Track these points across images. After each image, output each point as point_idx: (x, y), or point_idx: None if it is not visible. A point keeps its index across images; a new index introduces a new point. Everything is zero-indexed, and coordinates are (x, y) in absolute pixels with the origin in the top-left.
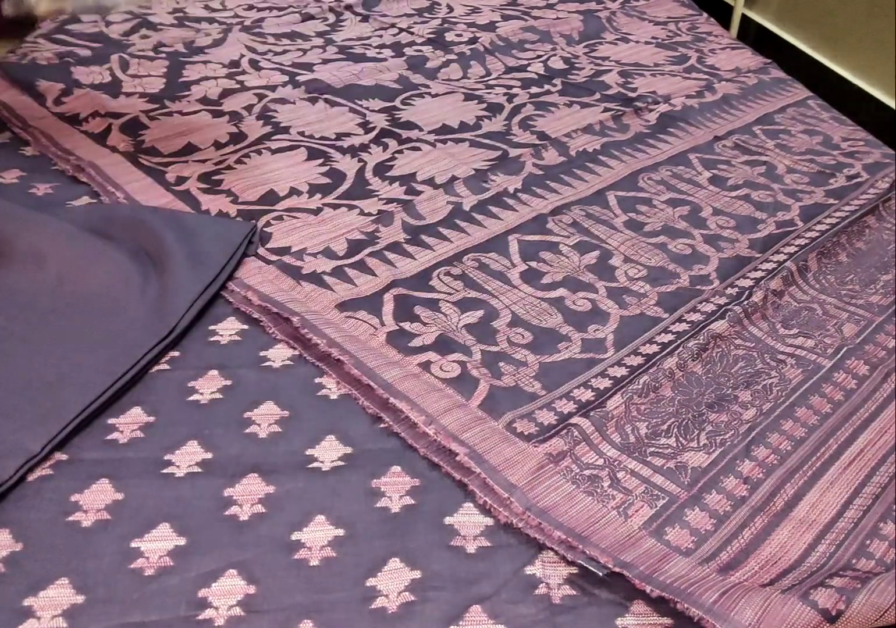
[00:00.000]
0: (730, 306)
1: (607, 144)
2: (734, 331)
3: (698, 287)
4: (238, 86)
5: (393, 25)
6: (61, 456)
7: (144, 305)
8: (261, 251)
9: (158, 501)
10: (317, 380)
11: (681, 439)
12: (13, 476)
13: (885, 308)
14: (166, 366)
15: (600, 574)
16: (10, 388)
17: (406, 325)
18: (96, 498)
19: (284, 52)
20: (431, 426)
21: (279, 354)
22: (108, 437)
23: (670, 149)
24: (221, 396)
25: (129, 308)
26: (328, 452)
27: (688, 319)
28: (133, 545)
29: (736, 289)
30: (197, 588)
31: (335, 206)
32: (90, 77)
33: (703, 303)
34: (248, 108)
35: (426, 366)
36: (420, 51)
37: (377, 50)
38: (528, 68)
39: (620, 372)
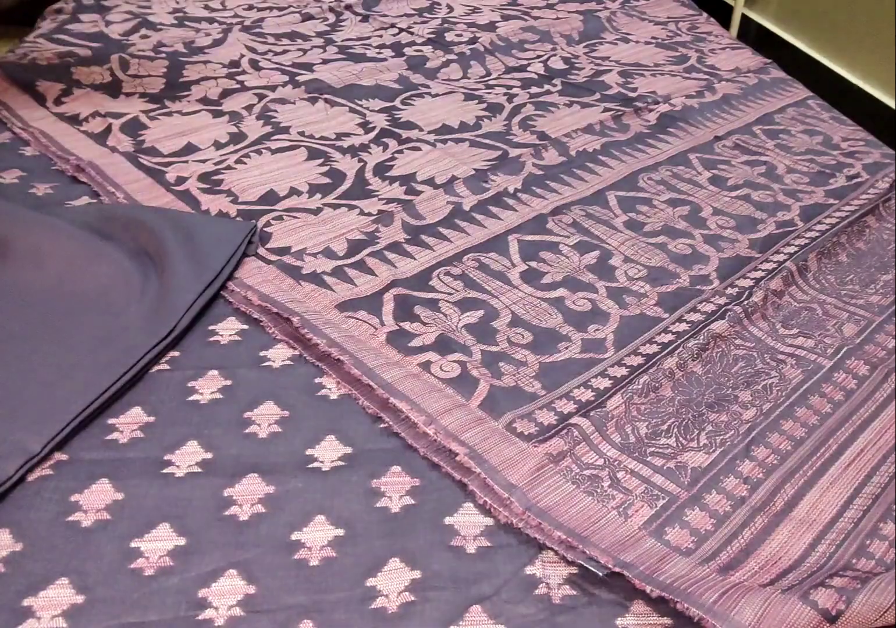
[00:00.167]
0: (730, 306)
1: (607, 144)
2: (734, 331)
3: (698, 287)
4: (238, 86)
5: (393, 25)
6: (61, 456)
7: (144, 305)
8: (261, 251)
9: (158, 501)
10: (317, 380)
11: (681, 439)
12: (13, 476)
13: (885, 308)
14: (166, 366)
15: (600, 574)
16: (10, 388)
17: (406, 325)
18: (96, 499)
19: (284, 52)
20: (431, 426)
21: (279, 354)
22: (108, 437)
23: (670, 149)
24: (221, 396)
25: (129, 308)
26: (328, 452)
27: (688, 319)
28: (133, 545)
29: (736, 289)
30: (197, 588)
31: (335, 206)
32: (90, 77)
33: (704, 303)
34: (248, 108)
35: (426, 366)
36: (420, 51)
37: (377, 50)
38: (528, 68)
39: (620, 372)
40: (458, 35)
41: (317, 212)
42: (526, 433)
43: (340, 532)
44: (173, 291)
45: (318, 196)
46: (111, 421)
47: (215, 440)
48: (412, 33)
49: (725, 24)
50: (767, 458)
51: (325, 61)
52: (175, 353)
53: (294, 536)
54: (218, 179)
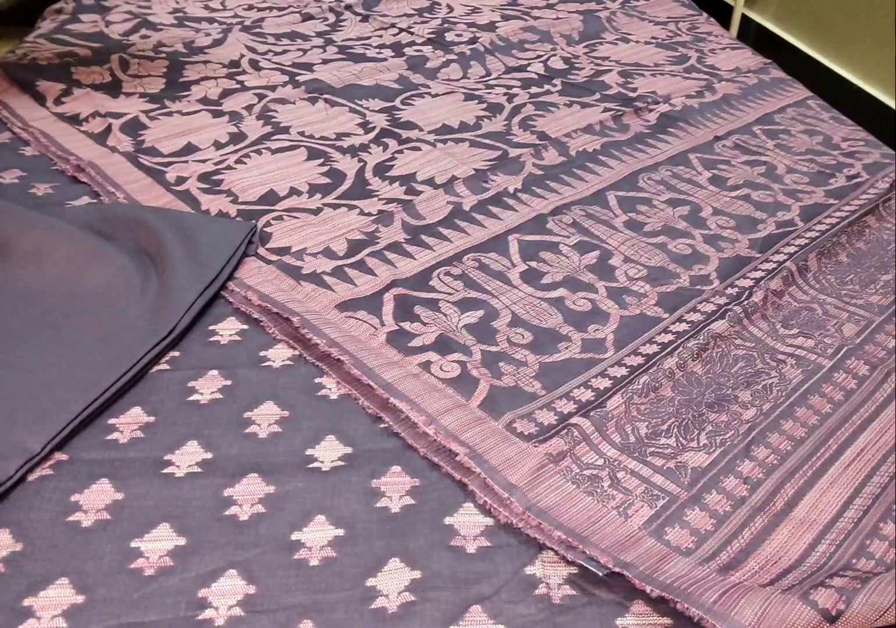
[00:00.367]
0: (730, 306)
1: (607, 144)
2: (734, 331)
3: (698, 287)
4: (238, 86)
5: (393, 25)
6: (61, 456)
7: (144, 305)
8: (261, 251)
9: (158, 501)
10: (317, 380)
11: (681, 439)
12: (13, 476)
13: (885, 308)
14: (166, 366)
15: (600, 574)
16: (10, 388)
17: (406, 325)
18: (96, 498)
19: (284, 52)
20: (431, 426)
21: (279, 354)
22: (108, 437)
23: (670, 149)
24: (221, 396)
25: (129, 308)
26: (328, 452)
27: (688, 319)
28: (133, 545)
29: (736, 289)
30: (197, 588)
31: (335, 206)
32: (90, 77)
33: (703, 303)
34: (248, 108)
35: (426, 366)
36: (420, 51)
37: (377, 50)
38: (528, 68)
39: (620, 372)
40: (458, 35)
41: (317, 212)
42: (526, 433)
43: (340, 532)
44: (173, 291)
45: (318, 196)
46: (111, 421)
47: (215, 440)
48: (412, 33)
49: (725, 24)
50: (767, 458)
51: (325, 61)
52: (175, 353)
53: (294, 536)
54: (218, 179)
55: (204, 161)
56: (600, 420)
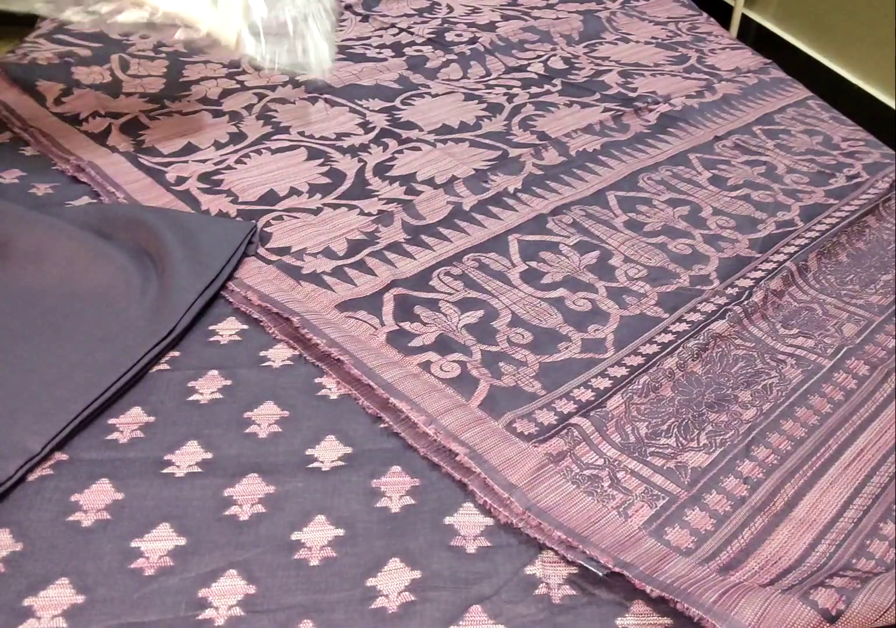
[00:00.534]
0: (730, 306)
1: (607, 144)
2: (734, 331)
3: (698, 287)
4: (238, 86)
5: (393, 25)
6: (61, 456)
7: (144, 305)
8: (261, 251)
9: (158, 501)
10: (317, 380)
11: (681, 439)
12: (13, 476)
13: (885, 308)
14: (166, 366)
15: (600, 574)
16: (10, 388)
17: (406, 325)
18: (96, 498)
19: None
20: (431, 426)
21: (279, 354)
22: (108, 437)
23: (670, 149)
24: (221, 396)
25: (129, 308)
26: (328, 452)
27: (688, 319)
28: (133, 545)
29: (736, 289)
30: (197, 588)
31: (335, 206)
32: (90, 77)
33: (704, 303)
34: (248, 107)
35: (426, 366)
36: (420, 51)
37: (377, 50)
38: (528, 68)
39: (620, 372)
40: (458, 35)
41: (317, 212)
42: (526, 433)
43: (340, 532)
44: (173, 291)
45: (318, 196)
46: (111, 421)
47: (215, 440)
48: (412, 33)
49: (725, 24)
50: (767, 458)
51: None
52: (175, 353)
53: (294, 536)
54: (218, 179)
55: (204, 161)
56: (600, 420)
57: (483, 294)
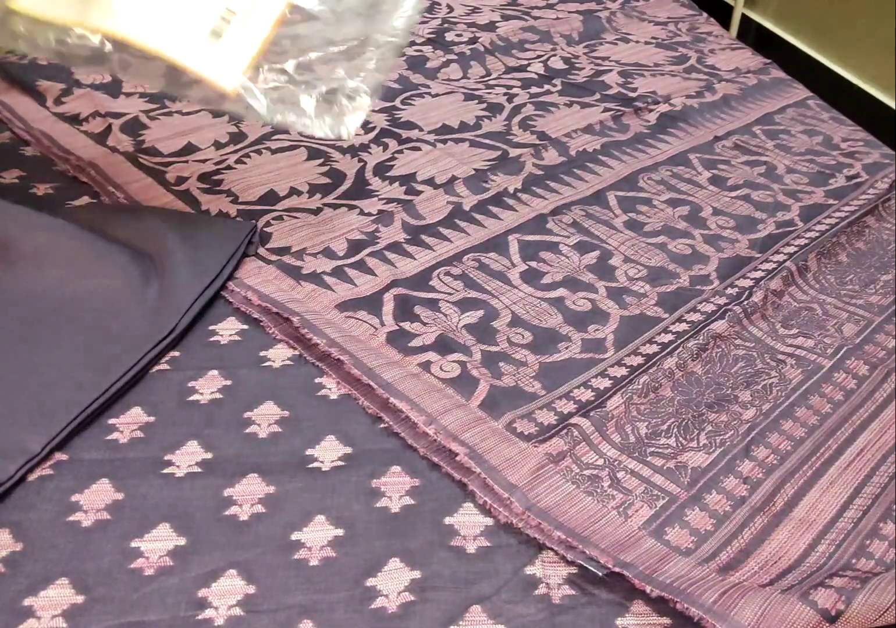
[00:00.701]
0: (730, 306)
1: (607, 144)
2: (734, 331)
3: (698, 287)
4: None
5: None
6: (61, 456)
7: (144, 305)
8: (261, 251)
9: (158, 501)
10: (317, 380)
11: (681, 439)
12: (13, 476)
13: (885, 308)
14: (166, 366)
15: (600, 574)
16: (10, 388)
17: (406, 325)
18: (96, 498)
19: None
20: (431, 426)
21: (279, 354)
22: (108, 437)
23: (670, 149)
24: (221, 396)
25: (130, 308)
26: (328, 452)
27: (688, 319)
28: (133, 545)
29: (736, 289)
30: (197, 588)
31: (335, 206)
32: (90, 77)
33: (703, 303)
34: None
35: (426, 366)
36: (420, 51)
37: None
38: (528, 68)
39: (620, 372)
40: (458, 35)
41: (317, 212)
42: (526, 433)
43: (340, 532)
44: (173, 291)
45: (318, 196)
46: (111, 421)
47: (215, 440)
48: (412, 33)
49: (725, 24)
50: (767, 458)
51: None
52: (175, 353)
53: (294, 536)
54: (218, 179)
55: (204, 161)
56: (600, 420)
57: (483, 294)
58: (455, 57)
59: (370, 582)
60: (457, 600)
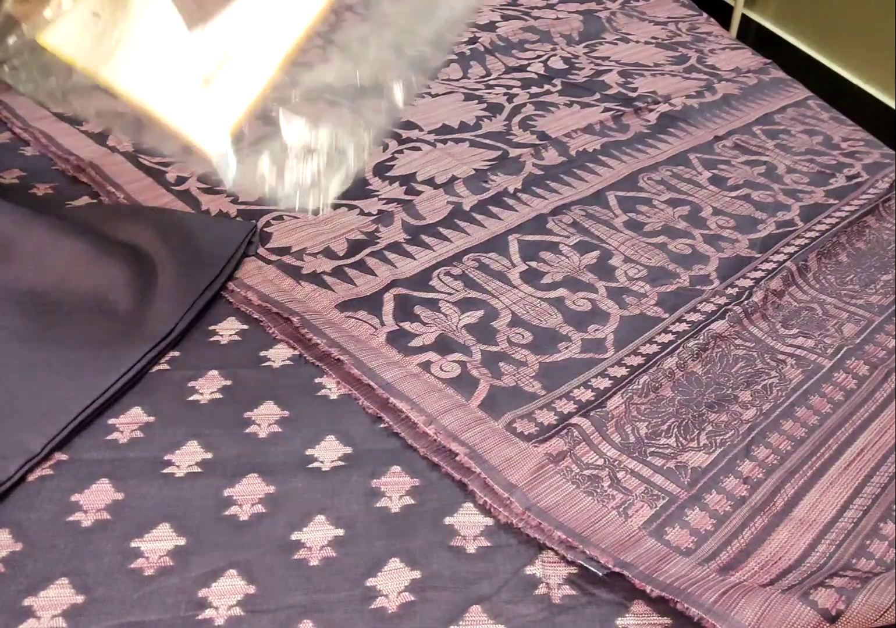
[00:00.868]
0: (730, 306)
1: (607, 144)
2: (734, 331)
3: (698, 287)
4: None
5: None
6: (61, 456)
7: (145, 305)
8: (261, 251)
9: (158, 501)
10: (317, 380)
11: (681, 439)
12: (13, 476)
13: (885, 308)
14: (166, 366)
15: (600, 574)
16: (10, 388)
17: (406, 325)
18: (96, 498)
19: None
20: (431, 426)
21: (279, 354)
22: (108, 437)
23: (670, 149)
24: (221, 396)
25: (130, 308)
26: (328, 452)
27: (688, 319)
28: (133, 545)
29: (736, 289)
30: (197, 588)
31: (335, 206)
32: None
33: (703, 303)
34: None
35: (426, 366)
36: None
37: None
38: (528, 68)
39: (620, 372)
40: (457, 35)
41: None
42: (526, 433)
43: (340, 532)
44: (174, 291)
45: None
46: (111, 421)
47: (215, 440)
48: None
49: (725, 24)
50: (767, 458)
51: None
52: (175, 353)
53: (294, 536)
54: (218, 179)
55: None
56: (600, 420)
57: (483, 294)
58: (455, 57)
59: (370, 582)
60: (457, 600)
